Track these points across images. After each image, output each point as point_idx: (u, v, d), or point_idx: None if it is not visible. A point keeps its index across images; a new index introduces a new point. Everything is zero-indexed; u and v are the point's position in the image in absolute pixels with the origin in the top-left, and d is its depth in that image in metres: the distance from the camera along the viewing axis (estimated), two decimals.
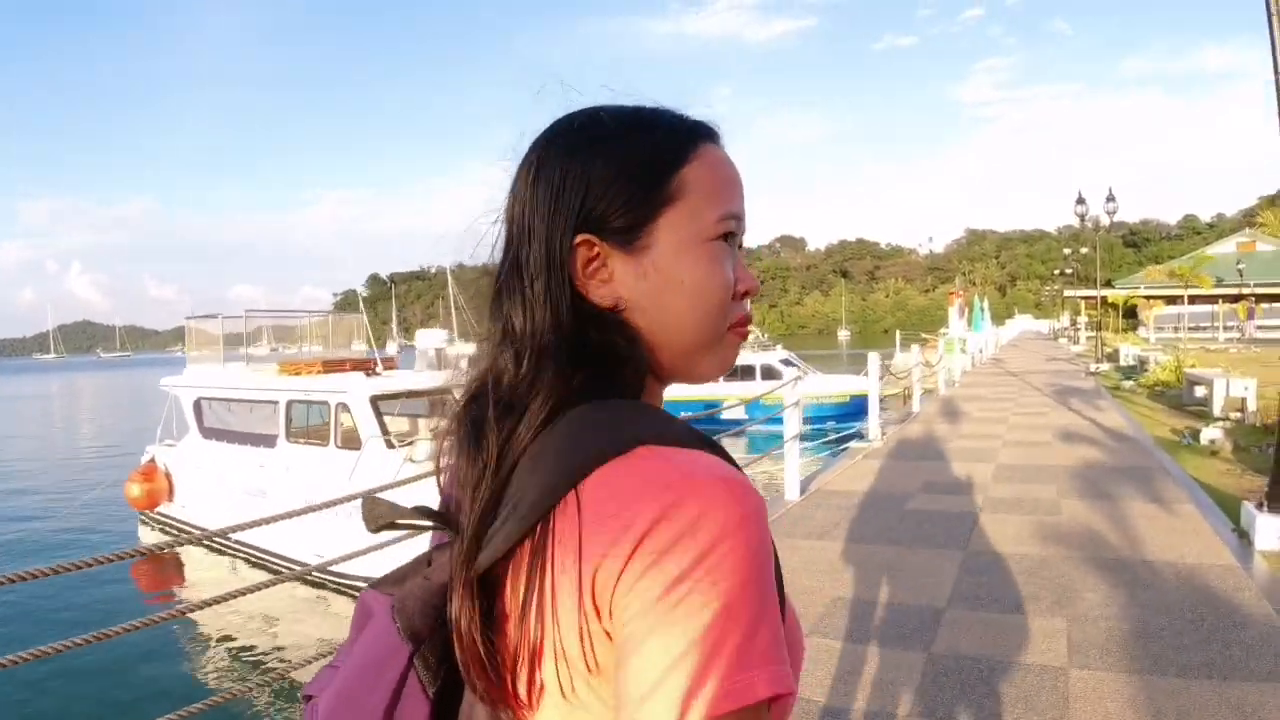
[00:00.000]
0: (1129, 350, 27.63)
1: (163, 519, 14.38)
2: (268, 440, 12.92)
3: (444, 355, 14.56)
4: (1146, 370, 19.87)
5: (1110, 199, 23.54)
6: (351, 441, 11.64)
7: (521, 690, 0.68)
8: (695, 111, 0.83)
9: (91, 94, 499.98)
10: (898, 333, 38.61)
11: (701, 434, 0.73)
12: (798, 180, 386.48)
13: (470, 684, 0.70)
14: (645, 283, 0.76)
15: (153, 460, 14.76)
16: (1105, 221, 24.17)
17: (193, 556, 12.72)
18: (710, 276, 0.77)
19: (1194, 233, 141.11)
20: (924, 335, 42.48)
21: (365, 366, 13.90)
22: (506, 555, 0.69)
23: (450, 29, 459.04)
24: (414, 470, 7.29)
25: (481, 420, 0.74)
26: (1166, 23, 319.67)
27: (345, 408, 11.93)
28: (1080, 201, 24.07)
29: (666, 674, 0.59)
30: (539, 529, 0.67)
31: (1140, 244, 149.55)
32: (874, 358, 11.97)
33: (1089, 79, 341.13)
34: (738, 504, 0.63)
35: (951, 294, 41.26)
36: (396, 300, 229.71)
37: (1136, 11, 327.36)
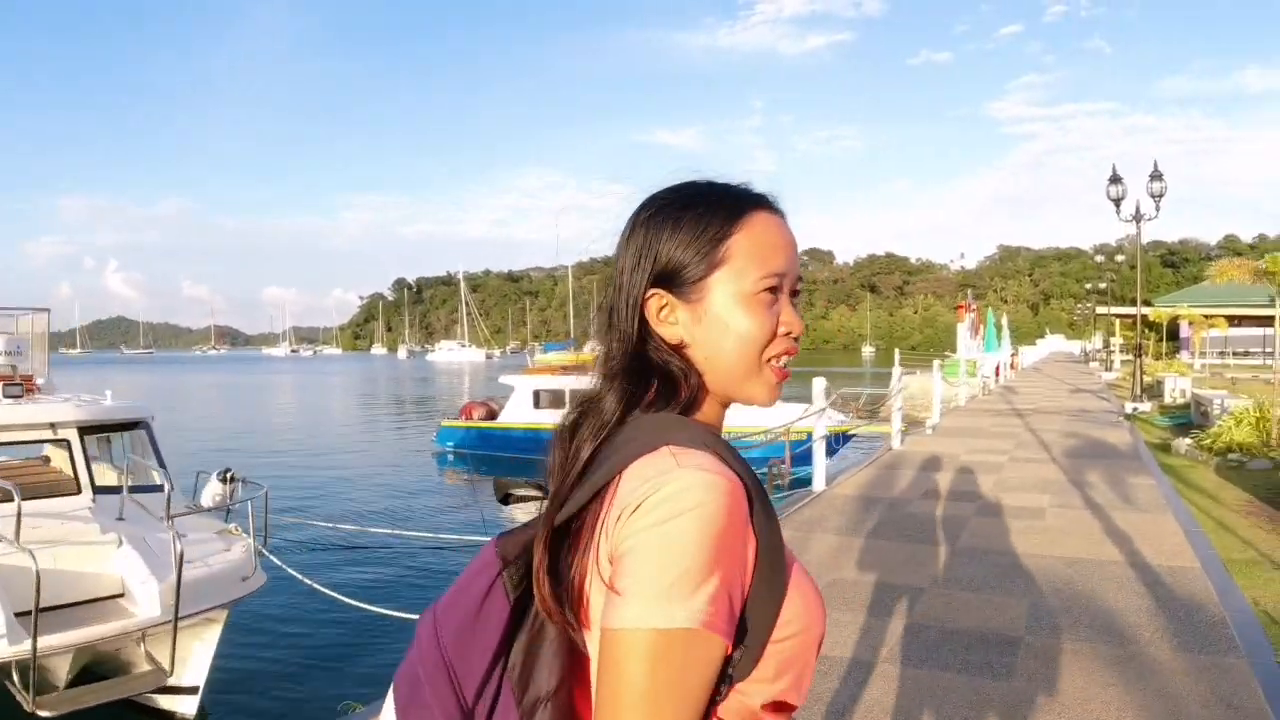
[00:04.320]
0: (1176, 383, 21.16)
1: None
2: None
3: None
4: (1209, 420, 13.48)
5: (1156, 176, 17.14)
6: None
7: (579, 613, 0.91)
8: (756, 180, 1.05)
9: (131, 94, 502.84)
10: (896, 352, 32.09)
11: (721, 442, 0.93)
12: (828, 193, 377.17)
13: (539, 603, 0.94)
14: (700, 326, 0.97)
15: None
16: (1149, 207, 17.79)
17: None
18: (750, 323, 0.96)
19: (1234, 253, 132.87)
20: (947, 354, 35.99)
21: None
22: (574, 518, 0.92)
23: (484, 39, 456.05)
24: None
25: (576, 423, 0.99)
26: (1207, 43, 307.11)
27: None
28: (1115, 180, 17.66)
29: (617, 596, 0.82)
30: (595, 501, 0.90)
31: (1179, 264, 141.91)
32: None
33: (1127, 98, 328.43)
34: (706, 491, 0.83)
35: (960, 307, 34.67)
36: (421, 305, 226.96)
37: (1177, 32, 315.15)
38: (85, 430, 8.29)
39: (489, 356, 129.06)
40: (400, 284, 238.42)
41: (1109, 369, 38.61)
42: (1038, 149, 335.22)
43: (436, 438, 23.24)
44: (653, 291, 0.98)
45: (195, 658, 6.75)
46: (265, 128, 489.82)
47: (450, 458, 22.16)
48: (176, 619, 6.27)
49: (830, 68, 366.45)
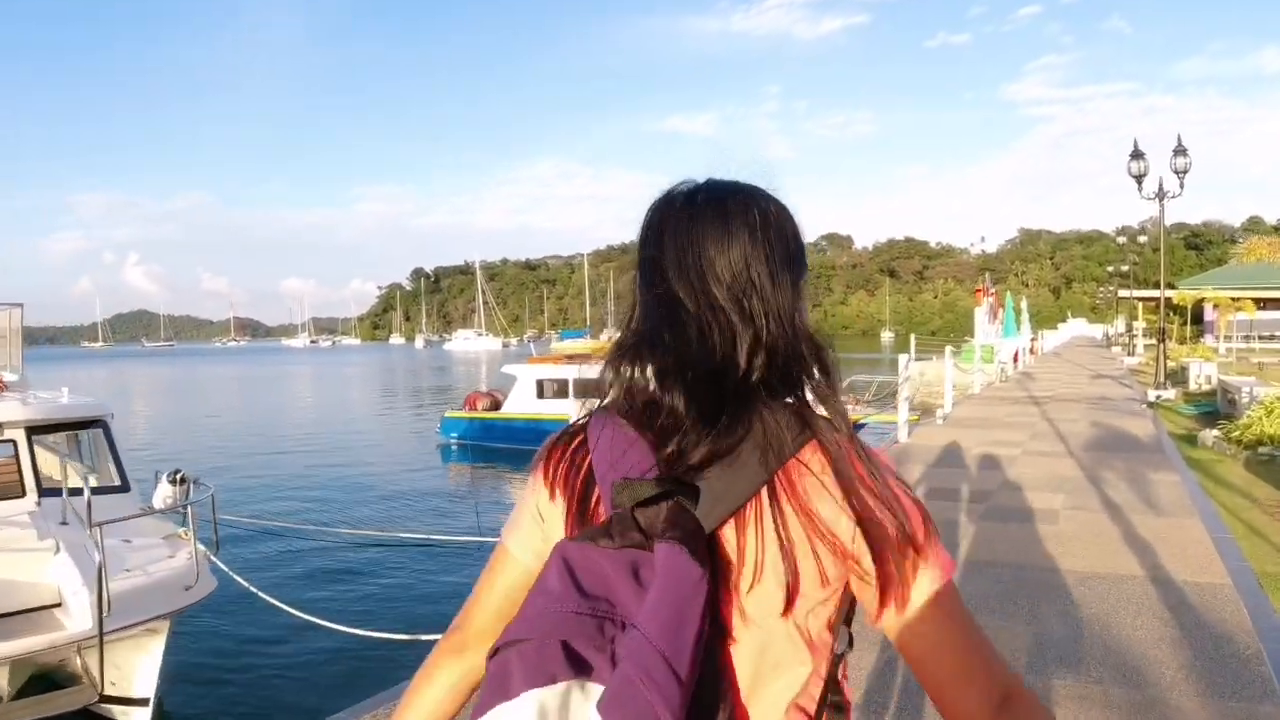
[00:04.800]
0: (1201, 368, 20.31)
1: None
2: None
3: None
4: (1237, 409, 12.72)
5: (1180, 151, 16.29)
6: None
7: (781, 598, 0.94)
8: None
9: (144, 89, 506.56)
10: (913, 338, 31.45)
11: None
12: (846, 178, 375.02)
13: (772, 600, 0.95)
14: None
15: None
16: (1173, 184, 16.94)
17: None
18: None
19: (1259, 235, 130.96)
20: (967, 339, 35.16)
21: None
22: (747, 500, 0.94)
23: (496, 27, 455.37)
24: None
25: (720, 401, 0.97)
26: (1226, 23, 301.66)
27: None
28: (1137, 156, 16.82)
29: (922, 557, 0.97)
30: (771, 483, 0.95)
31: (1202, 246, 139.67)
32: None
33: (1147, 78, 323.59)
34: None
35: (978, 291, 33.76)
36: (439, 295, 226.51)
37: (1196, 11, 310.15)
38: (34, 430, 7.86)
39: (506, 345, 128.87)
40: (418, 274, 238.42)
41: (1131, 354, 37.62)
42: (1057, 131, 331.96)
43: (440, 429, 22.81)
44: (804, 280, 1.07)
45: (141, 670, 6.38)
46: (279, 120, 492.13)
47: (454, 449, 21.73)
48: (102, 633, 5.84)
49: (846, 51, 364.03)
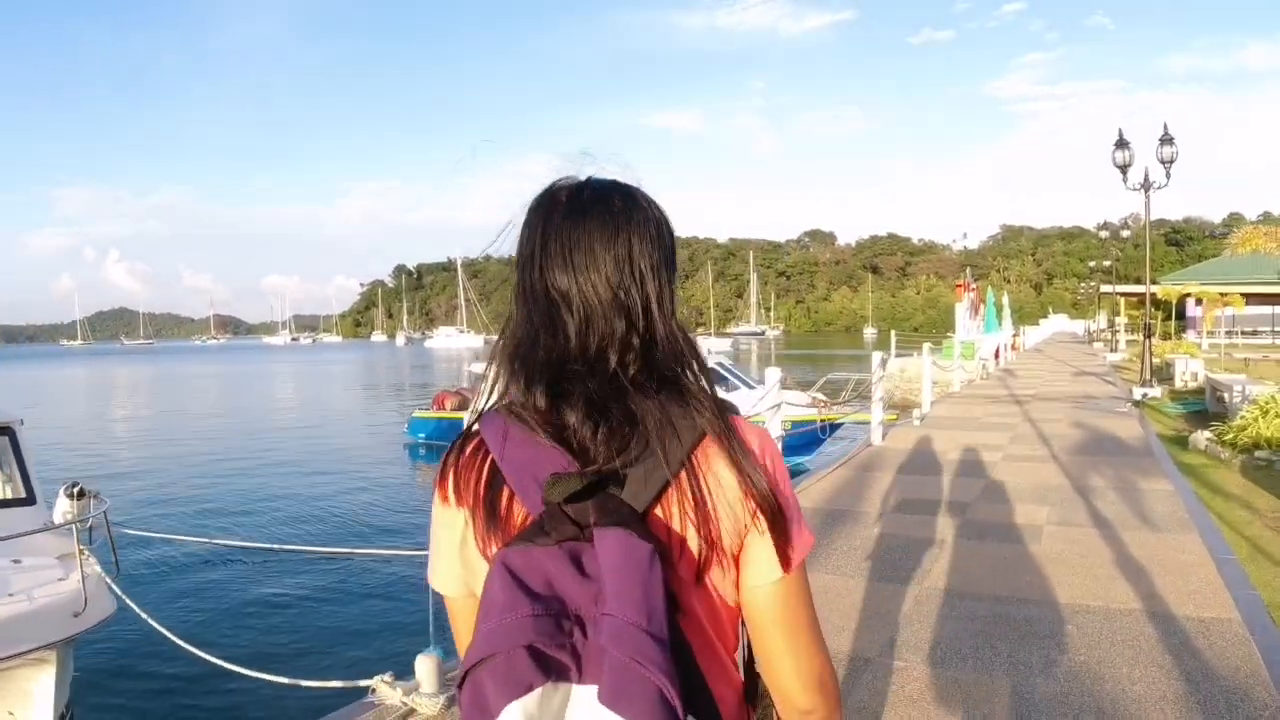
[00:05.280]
0: (1187, 365, 19.72)
1: None
2: None
3: None
4: (1226, 407, 12.08)
5: (1166, 140, 15.64)
6: None
7: (700, 564, 0.98)
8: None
9: (126, 83, 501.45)
10: (893, 334, 30.91)
11: None
12: (829, 174, 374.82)
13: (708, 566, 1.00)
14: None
15: None
16: (1159, 175, 16.33)
17: None
18: None
19: (1251, 225, 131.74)
20: (949, 335, 34.55)
21: None
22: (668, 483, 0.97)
23: (482, 22, 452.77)
24: None
25: (605, 397, 0.98)
26: (1210, 19, 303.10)
27: None
28: (1122, 145, 16.17)
29: (790, 539, 1.01)
30: (688, 465, 0.97)
31: (1183, 242, 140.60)
32: None
33: (1130, 75, 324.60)
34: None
35: (959, 286, 33.16)
36: (422, 291, 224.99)
37: (1180, 7, 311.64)
38: None
39: (487, 342, 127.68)
40: (400, 270, 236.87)
41: (1114, 349, 37.13)
42: (1041, 128, 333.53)
43: (408, 429, 22.10)
44: (676, 275, 1.10)
45: (37, 700, 5.77)
46: (263, 114, 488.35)
47: (423, 450, 21.05)
48: None
49: (831, 47, 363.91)
